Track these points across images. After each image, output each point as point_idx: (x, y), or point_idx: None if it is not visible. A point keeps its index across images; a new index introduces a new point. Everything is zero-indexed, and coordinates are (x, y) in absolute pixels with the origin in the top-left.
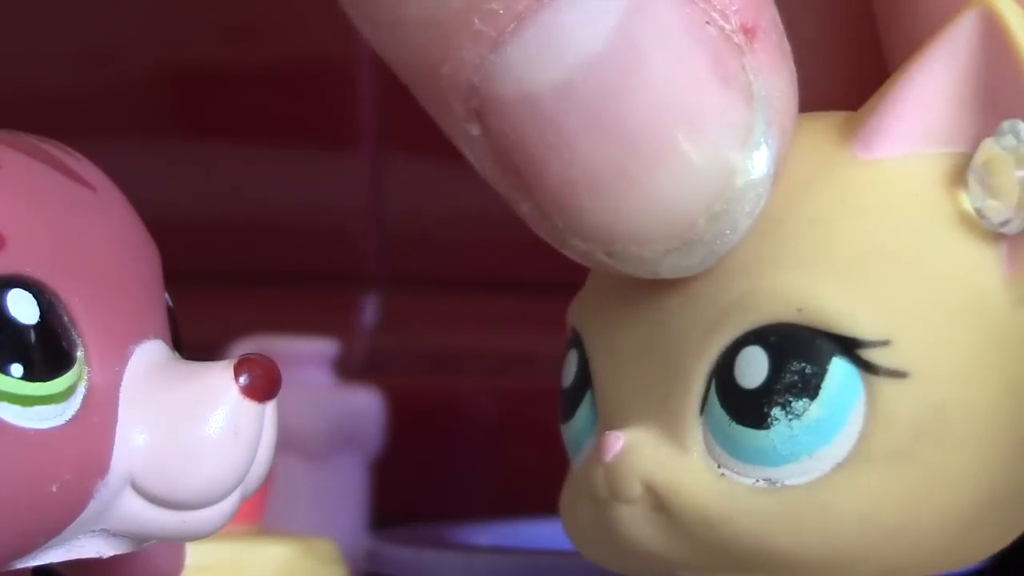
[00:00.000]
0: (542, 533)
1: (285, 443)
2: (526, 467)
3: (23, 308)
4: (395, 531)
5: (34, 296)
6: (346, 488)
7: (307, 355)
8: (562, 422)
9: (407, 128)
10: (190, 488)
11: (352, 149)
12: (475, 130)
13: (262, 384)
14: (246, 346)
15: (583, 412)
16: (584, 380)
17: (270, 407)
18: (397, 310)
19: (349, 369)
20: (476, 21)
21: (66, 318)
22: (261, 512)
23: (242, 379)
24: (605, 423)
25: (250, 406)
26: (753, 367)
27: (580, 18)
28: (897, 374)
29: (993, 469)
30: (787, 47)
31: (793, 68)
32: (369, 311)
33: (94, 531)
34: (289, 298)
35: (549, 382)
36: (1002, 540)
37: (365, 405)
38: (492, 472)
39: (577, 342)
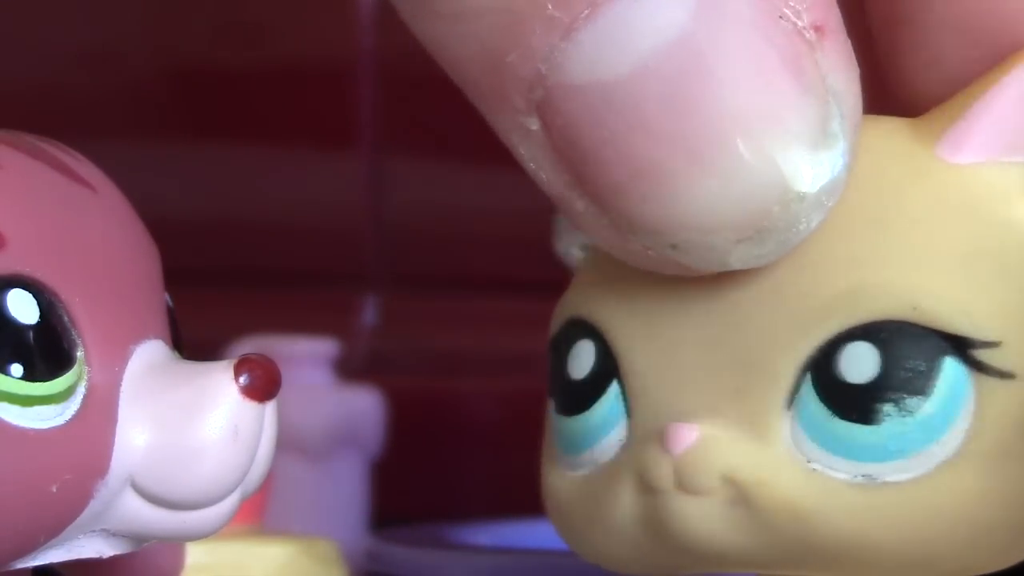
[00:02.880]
0: (542, 533)
1: (285, 443)
2: (526, 467)
3: (23, 308)
4: (395, 531)
5: (34, 296)
6: (346, 488)
7: (307, 355)
8: (567, 414)
9: (407, 128)
10: (190, 488)
11: (352, 149)
12: (534, 124)
13: (262, 384)
14: (246, 346)
15: (606, 404)
16: (606, 372)
17: (270, 407)
18: (397, 310)
19: (349, 369)
20: (549, 7)
21: (66, 318)
22: (261, 512)
23: (242, 379)
24: (646, 415)
25: (250, 406)
26: (861, 362)
27: (654, 7)
28: (1006, 375)
29: None
30: (851, 48)
31: (858, 68)
32: (369, 311)
33: (94, 531)
34: (289, 298)
35: None
36: None
37: (365, 405)
38: (492, 472)
39: (590, 333)
